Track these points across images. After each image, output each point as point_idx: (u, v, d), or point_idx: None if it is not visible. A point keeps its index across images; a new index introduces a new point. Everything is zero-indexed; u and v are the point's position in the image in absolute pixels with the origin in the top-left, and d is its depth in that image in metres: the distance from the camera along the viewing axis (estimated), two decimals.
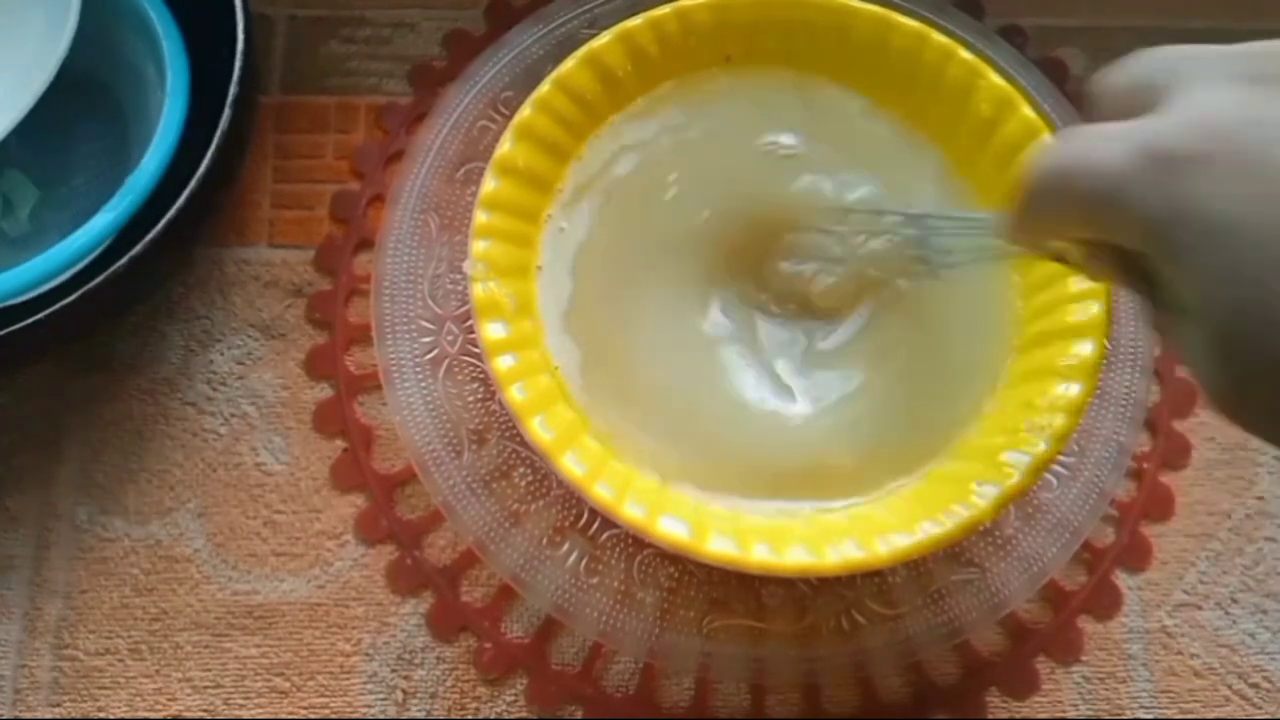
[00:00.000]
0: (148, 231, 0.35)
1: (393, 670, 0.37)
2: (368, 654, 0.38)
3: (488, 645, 0.37)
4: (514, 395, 0.34)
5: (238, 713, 0.37)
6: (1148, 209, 0.21)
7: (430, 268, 0.41)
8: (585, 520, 0.38)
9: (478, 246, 0.35)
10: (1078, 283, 0.34)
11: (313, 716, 0.37)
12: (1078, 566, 0.39)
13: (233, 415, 0.40)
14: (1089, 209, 0.23)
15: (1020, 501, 0.37)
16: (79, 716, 0.37)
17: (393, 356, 0.40)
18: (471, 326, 0.37)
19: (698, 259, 0.38)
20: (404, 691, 0.37)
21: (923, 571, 0.37)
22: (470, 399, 0.39)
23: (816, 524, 0.34)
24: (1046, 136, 0.36)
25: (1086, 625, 0.38)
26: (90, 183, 0.42)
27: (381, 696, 0.37)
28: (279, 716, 0.37)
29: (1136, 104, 0.23)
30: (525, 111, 0.37)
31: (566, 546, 0.38)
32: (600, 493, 0.33)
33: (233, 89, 0.37)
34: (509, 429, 0.38)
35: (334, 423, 0.40)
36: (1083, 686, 0.38)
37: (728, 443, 0.36)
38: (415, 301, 0.40)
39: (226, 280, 0.42)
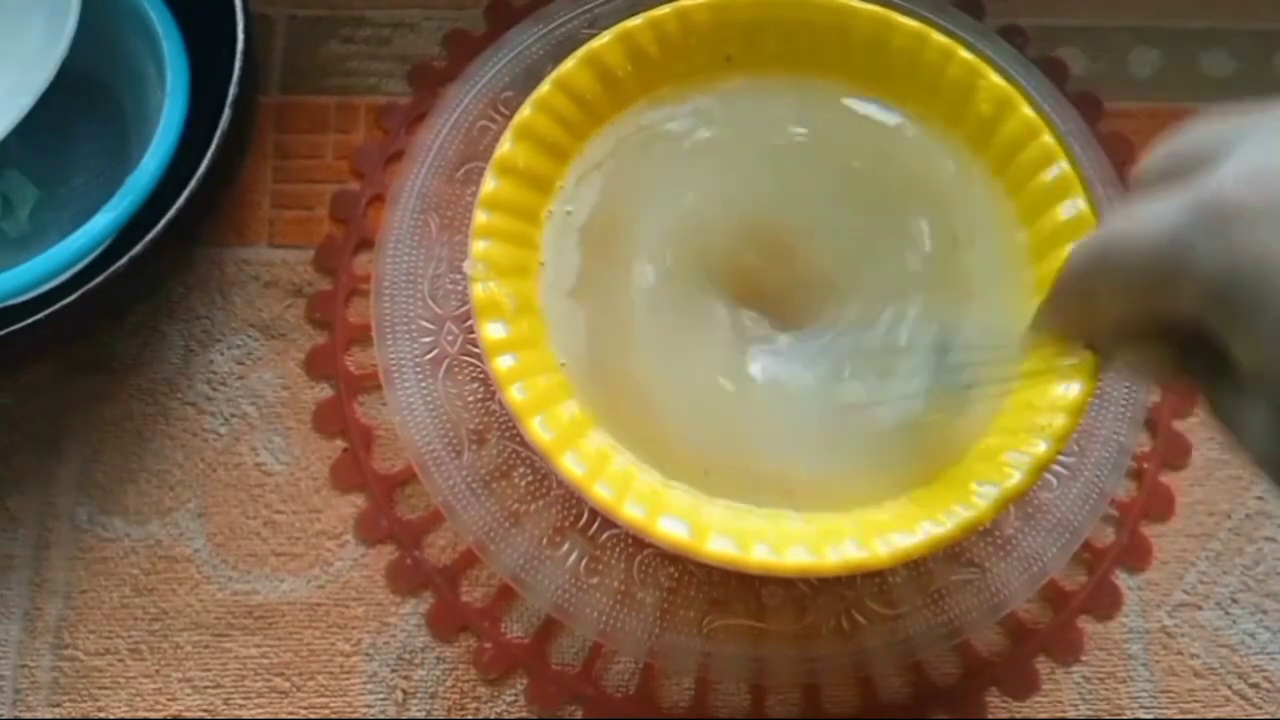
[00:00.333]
0: (148, 231, 0.35)
1: (393, 670, 0.37)
2: (368, 654, 0.38)
3: (488, 645, 0.37)
4: (514, 395, 0.34)
5: (238, 713, 0.37)
6: (1205, 265, 0.20)
7: (430, 268, 0.41)
8: (585, 520, 0.38)
9: (478, 246, 0.35)
10: None
11: (313, 716, 0.37)
12: (1078, 566, 0.39)
13: (233, 415, 0.40)
14: (1141, 272, 0.21)
15: (1020, 501, 0.36)
16: (79, 716, 0.37)
17: (393, 356, 0.40)
18: (471, 326, 0.37)
19: (703, 260, 0.38)
20: (404, 691, 0.37)
21: (923, 571, 0.37)
22: (470, 399, 0.39)
23: (817, 524, 0.34)
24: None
25: (1086, 625, 0.38)
26: (90, 183, 0.42)
27: (381, 696, 0.37)
28: (279, 716, 0.37)
29: (1185, 176, 0.21)
30: (525, 111, 0.37)
31: (566, 546, 0.38)
32: (600, 493, 0.33)
33: (233, 89, 0.37)
34: (509, 429, 0.38)
35: (334, 423, 0.40)
36: (1083, 686, 0.38)
37: (729, 443, 0.36)
38: (415, 301, 0.40)
39: (226, 280, 0.42)
